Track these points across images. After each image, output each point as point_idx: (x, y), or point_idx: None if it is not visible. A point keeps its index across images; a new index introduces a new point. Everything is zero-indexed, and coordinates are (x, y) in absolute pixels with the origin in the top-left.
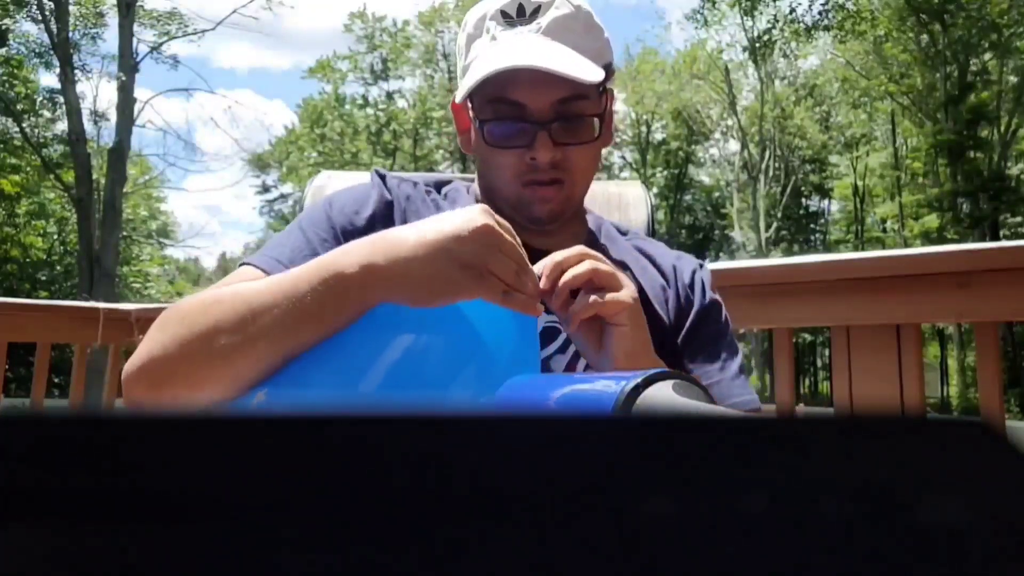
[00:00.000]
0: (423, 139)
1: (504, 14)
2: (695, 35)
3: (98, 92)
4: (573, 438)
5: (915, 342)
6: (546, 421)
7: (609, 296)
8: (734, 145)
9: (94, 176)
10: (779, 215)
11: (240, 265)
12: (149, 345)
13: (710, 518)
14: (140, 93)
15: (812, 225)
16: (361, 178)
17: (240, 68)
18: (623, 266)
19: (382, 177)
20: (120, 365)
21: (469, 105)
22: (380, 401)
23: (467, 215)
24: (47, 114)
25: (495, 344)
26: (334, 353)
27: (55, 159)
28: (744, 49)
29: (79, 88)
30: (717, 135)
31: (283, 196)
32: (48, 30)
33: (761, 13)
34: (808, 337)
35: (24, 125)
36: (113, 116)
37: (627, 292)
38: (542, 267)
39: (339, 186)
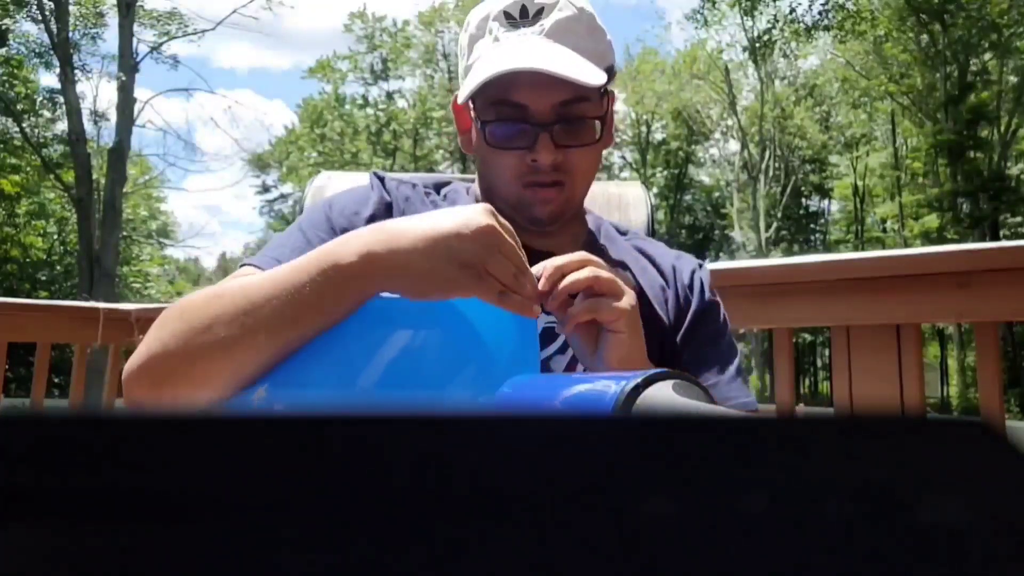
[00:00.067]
0: (423, 139)
1: (507, 15)
2: (695, 35)
3: (98, 92)
4: (573, 438)
5: (915, 342)
6: (546, 421)
7: (607, 301)
8: (734, 145)
9: (94, 176)
10: (779, 215)
11: (240, 266)
12: (149, 343)
13: (710, 518)
14: (140, 93)
15: (812, 225)
16: (361, 178)
17: (240, 68)
18: (622, 266)
19: (381, 179)
20: (120, 365)
21: (471, 106)
22: (380, 401)
23: (469, 213)
24: (47, 114)
25: (495, 344)
26: (334, 350)
27: (55, 159)
28: (744, 49)
29: (79, 88)
30: (717, 135)
31: (283, 196)
32: (48, 30)
33: (761, 13)
34: (808, 337)
35: (24, 125)
36: (113, 116)
37: (626, 300)
38: (542, 269)
39: (339, 187)
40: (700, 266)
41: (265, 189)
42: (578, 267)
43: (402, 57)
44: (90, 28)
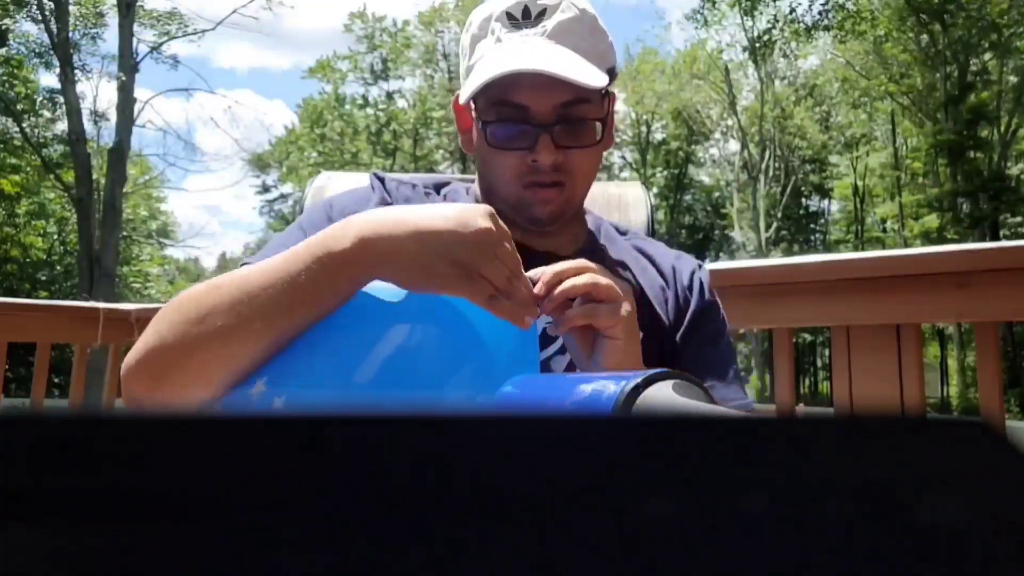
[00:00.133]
0: (423, 139)
1: (509, 16)
2: (695, 35)
3: (98, 92)
4: (573, 438)
5: (915, 342)
6: (546, 421)
7: (605, 308)
8: (734, 145)
9: (94, 176)
10: (779, 215)
11: (240, 265)
12: (146, 338)
13: (710, 518)
14: (140, 93)
15: (812, 225)
16: (361, 179)
17: (240, 68)
18: (622, 266)
19: (381, 180)
20: (120, 365)
21: (472, 106)
22: (380, 401)
23: (469, 214)
24: (47, 114)
25: (494, 343)
26: (331, 345)
27: (55, 159)
28: (744, 49)
29: (79, 88)
30: (717, 135)
31: (283, 196)
32: (48, 30)
33: (761, 13)
34: (808, 337)
35: (24, 125)
36: (113, 116)
37: (624, 306)
38: (539, 274)
39: (339, 187)
40: (700, 266)
41: (265, 189)
42: (577, 273)
43: (402, 57)
44: (90, 28)
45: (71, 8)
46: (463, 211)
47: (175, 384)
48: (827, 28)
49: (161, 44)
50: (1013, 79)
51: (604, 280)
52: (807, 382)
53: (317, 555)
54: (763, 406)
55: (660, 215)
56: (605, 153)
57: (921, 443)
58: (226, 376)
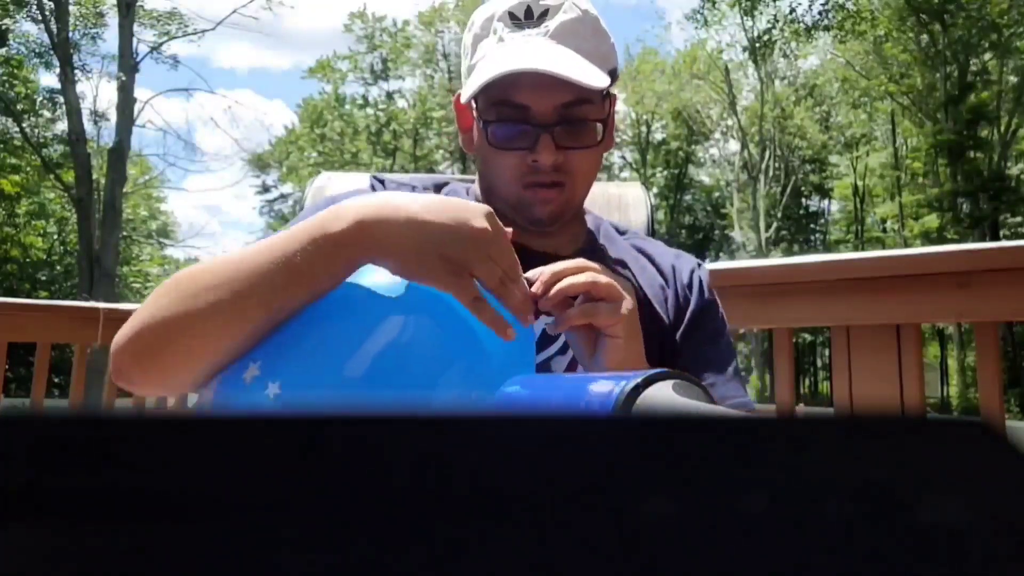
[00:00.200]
0: (423, 139)
1: (512, 16)
2: (695, 35)
3: (98, 92)
4: (573, 438)
5: (915, 342)
6: (546, 421)
7: (605, 306)
8: (734, 145)
9: (94, 176)
10: (779, 215)
11: None
12: (139, 314)
13: (710, 518)
14: (140, 93)
15: (812, 225)
16: (361, 179)
17: (240, 68)
18: (622, 265)
19: (381, 181)
20: None
21: (473, 105)
22: (379, 401)
23: (467, 212)
24: (47, 114)
25: (489, 340)
26: (325, 331)
27: (55, 159)
28: (744, 49)
29: (79, 88)
30: (717, 135)
31: (283, 196)
32: (48, 30)
33: (761, 13)
34: (808, 337)
35: (24, 125)
36: (113, 116)
37: (625, 305)
38: (538, 274)
39: (339, 187)
40: (699, 265)
41: (265, 189)
42: (576, 271)
43: (402, 57)
44: (90, 28)
45: (71, 8)
46: (461, 208)
47: (166, 361)
48: (827, 28)
49: (161, 44)
50: (1013, 79)
51: (604, 278)
52: (807, 382)
53: (317, 555)
54: (763, 406)
55: (660, 215)
56: (605, 153)
57: (921, 443)
58: (217, 355)
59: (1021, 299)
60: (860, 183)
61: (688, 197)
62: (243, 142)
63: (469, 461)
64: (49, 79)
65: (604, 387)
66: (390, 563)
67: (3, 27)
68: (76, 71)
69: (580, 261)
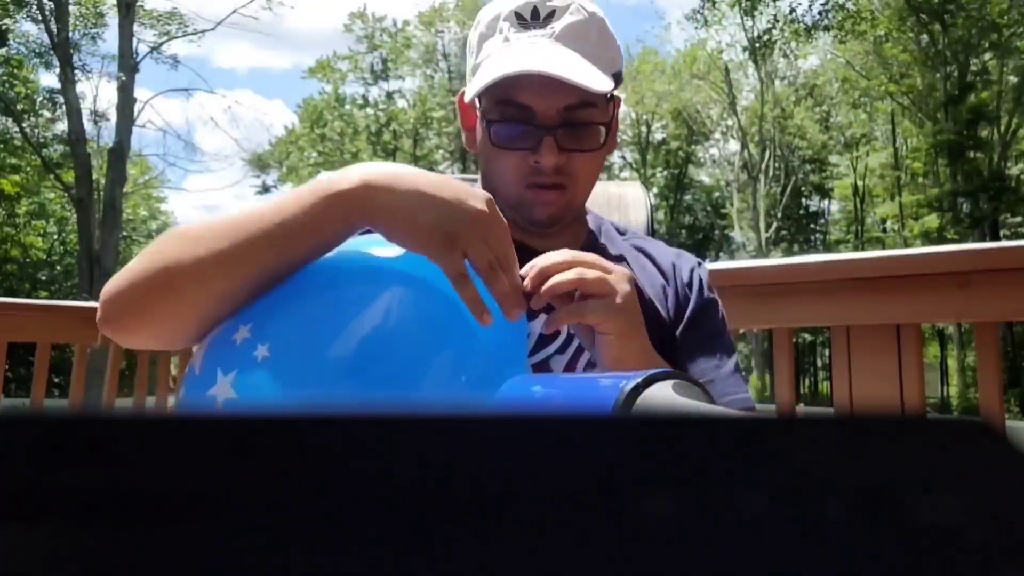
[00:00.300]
0: (423, 139)
1: (518, 16)
2: (695, 35)
3: (98, 92)
4: (573, 438)
5: (915, 342)
6: (546, 421)
7: (592, 305)
8: (734, 145)
9: (94, 176)
10: (779, 215)
11: None
12: (135, 263)
13: (710, 518)
14: (140, 93)
15: (812, 225)
16: None
17: (240, 68)
18: (621, 260)
19: None
20: (120, 365)
21: (477, 103)
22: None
23: (472, 194)
24: (47, 114)
25: (482, 328)
26: (316, 300)
27: (55, 159)
28: (744, 49)
29: (79, 88)
30: (717, 135)
31: None
32: (48, 30)
33: (761, 13)
34: (808, 337)
35: (24, 125)
36: (113, 116)
37: (618, 299)
38: (529, 268)
39: None
40: (699, 264)
41: (265, 189)
42: (564, 267)
43: (402, 57)
44: (90, 28)
45: (71, 8)
46: (464, 189)
47: (160, 309)
48: (827, 28)
49: (161, 44)
50: (1013, 79)
51: (592, 274)
52: (807, 382)
53: (317, 555)
54: (763, 406)
55: (660, 215)
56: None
57: (921, 443)
58: (212, 305)
59: (1021, 299)
60: (860, 183)
61: (688, 197)
62: (243, 142)
63: (469, 461)
64: (49, 79)
65: (580, 387)
66: (390, 563)
67: (3, 27)
68: (76, 71)
69: (569, 253)
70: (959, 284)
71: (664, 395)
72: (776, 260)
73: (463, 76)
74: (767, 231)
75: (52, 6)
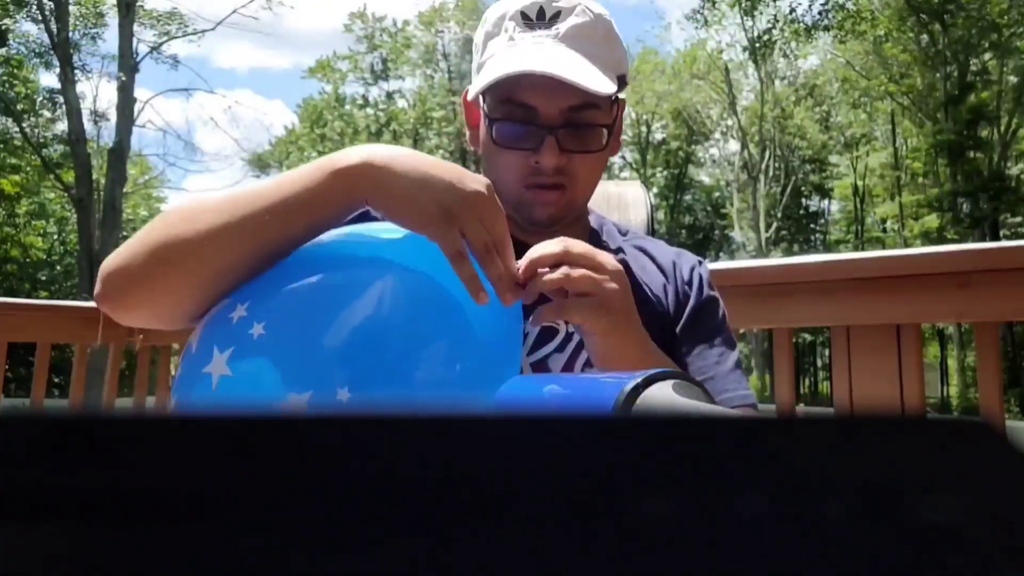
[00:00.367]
0: (423, 139)
1: (524, 16)
2: (695, 35)
3: (98, 92)
4: (573, 438)
5: (915, 342)
6: (546, 421)
7: (574, 304)
8: (734, 145)
9: (94, 176)
10: (779, 215)
11: None
12: (135, 239)
13: (710, 518)
14: (140, 93)
15: (812, 225)
16: None
17: (240, 68)
18: (622, 263)
19: None
20: (120, 365)
21: (481, 102)
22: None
23: (472, 177)
24: (47, 114)
25: (477, 319)
26: (312, 282)
27: (55, 159)
28: (744, 49)
29: (79, 88)
30: (717, 135)
31: None
32: (48, 30)
33: (761, 13)
34: (808, 337)
35: (24, 125)
36: (113, 116)
37: (593, 300)
38: (523, 261)
39: None
40: (700, 262)
41: None
42: (553, 262)
43: (402, 57)
44: (90, 28)
45: (71, 8)
46: (465, 172)
47: (159, 285)
48: (827, 28)
49: (161, 44)
50: (1013, 79)
51: (577, 272)
52: (807, 382)
53: (317, 555)
54: (763, 406)
55: (660, 215)
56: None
57: (921, 443)
58: (211, 281)
59: (1021, 299)
60: (860, 183)
61: (688, 197)
62: (243, 142)
63: (469, 461)
64: (49, 79)
65: (579, 387)
66: (390, 563)
67: (3, 27)
68: (76, 71)
69: (563, 245)
70: (959, 284)
71: (664, 395)
72: (776, 260)
73: (463, 76)
74: (767, 231)
75: (52, 6)
